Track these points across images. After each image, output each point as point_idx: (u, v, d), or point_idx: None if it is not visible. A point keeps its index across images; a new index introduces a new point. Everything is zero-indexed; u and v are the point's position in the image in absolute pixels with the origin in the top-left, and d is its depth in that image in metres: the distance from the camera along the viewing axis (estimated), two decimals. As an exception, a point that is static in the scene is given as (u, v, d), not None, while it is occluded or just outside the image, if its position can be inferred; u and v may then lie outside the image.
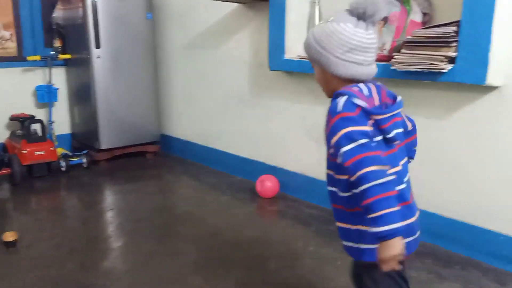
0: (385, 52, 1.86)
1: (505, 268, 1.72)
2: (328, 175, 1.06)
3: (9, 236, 1.93)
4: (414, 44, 1.68)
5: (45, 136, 3.01)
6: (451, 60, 1.62)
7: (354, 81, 1.01)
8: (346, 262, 1.49)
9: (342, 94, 0.96)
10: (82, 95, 3.29)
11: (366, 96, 0.97)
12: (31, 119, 3.02)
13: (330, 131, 0.95)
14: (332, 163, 1.01)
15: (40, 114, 3.32)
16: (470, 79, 1.59)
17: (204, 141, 3.22)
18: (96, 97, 3.10)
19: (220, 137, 3.07)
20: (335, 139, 0.93)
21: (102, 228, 2.22)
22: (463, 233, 1.84)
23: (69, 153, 3.12)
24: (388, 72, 1.80)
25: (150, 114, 3.38)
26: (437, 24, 1.66)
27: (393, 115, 0.98)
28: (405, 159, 1.06)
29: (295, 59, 2.25)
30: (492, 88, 1.66)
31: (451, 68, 1.61)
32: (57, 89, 3.36)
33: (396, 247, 0.87)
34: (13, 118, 3.11)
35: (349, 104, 0.94)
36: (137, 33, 3.20)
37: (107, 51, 3.08)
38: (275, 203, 2.48)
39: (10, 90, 3.26)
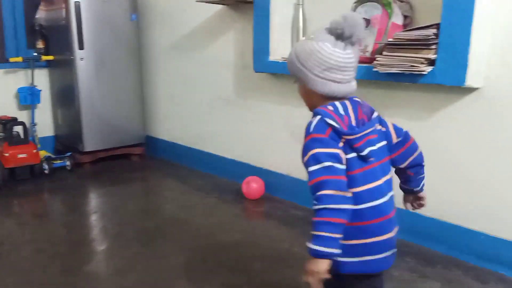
0: (368, 54, 1.88)
1: (486, 266, 1.75)
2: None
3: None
4: (395, 46, 1.70)
5: (28, 139, 2.97)
6: (431, 62, 1.64)
7: (333, 97, 1.03)
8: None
9: (317, 114, 1.00)
10: (65, 97, 3.25)
11: (341, 114, 1.00)
12: (13, 121, 2.97)
13: (302, 151, 0.99)
14: None
15: (23, 116, 3.27)
16: (450, 81, 1.62)
17: (189, 143, 3.21)
18: (80, 98, 3.06)
19: (206, 139, 3.06)
20: (305, 158, 0.98)
21: (85, 231, 2.19)
22: (445, 233, 1.87)
23: (52, 156, 3.08)
24: (371, 74, 1.82)
25: (134, 116, 3.36)
26: (417, 26, 1.68)
27: (366, 133, 1.01)
28: (389, 174, 1.07)
29: (280, 61, 2.26)
30: (472, 90, 1.70)
31: (431, 70, 1.64)
32: (40, 90, 3.31)
33: (321, 267, 0.93)
34: (-6, 121, 3.06)
35: (321, 125, 0.98)
36: (121, 34, 3.18)
37: (90, 53, 3.05)
38: (261, 205, 2.49)
39: (-9, 92, 3.21)
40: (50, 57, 3.27)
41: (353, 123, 1.02)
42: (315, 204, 0.93)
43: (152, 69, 3.42)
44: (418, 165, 1.14)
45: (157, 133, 3.52)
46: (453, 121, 1.78)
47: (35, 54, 3.29)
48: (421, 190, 1.19)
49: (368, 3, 1.87)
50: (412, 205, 1.22)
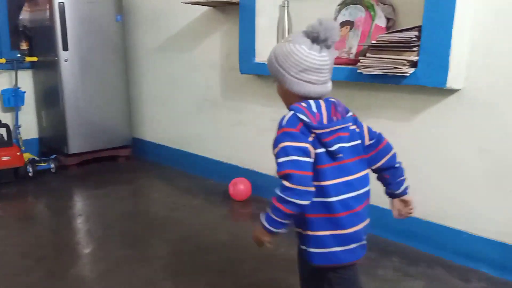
0: (352, 56, 1.90)
1: (469, 265, 1.78)
2: None
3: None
4: (379, 48, 1.72)
5: (11, 141, 2.93)
6: (414, 64, 1.67)
7: (309, 97, 1.08)
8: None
9: (291, 109, 1.06)
10: (49, 98, 3.22)
11: (313, 112, 1.05)
12: (-3, 123, 2.94)
13: (274, 143, 1.05)
14: None
15: (6, 118, 3.22)
16: (431, 83, 1.64)
17: (176, 145, 3.20)
18: (64, 100, 3.03)
19: (193, 140, 3.05)
20: (275, 150, 1.04)
21: (71, 234, 2.17)
22: (429, 232, 1.89)
23: (37, 158, 3.04)
24: (355, 75, 1.84)
25: (121, 118, 3.33)
26: (400, 29, 1.71)
27: (336, 129, 1.05)
28: (364, 171, 1.11)
29: (265, 63, 2.26)
30: (453, 91, 1.72)
31: (413, 72, 1.66)
32: (24, 92, 3.27)
33: (264, 237, 1.08)
34: (-23, 123, 3.01)
35: (293, 120, 1.03)
36: (106, 35, 3.16)
37: (75, 54, 3.02)
38: (248, 206, 2.49)
39: (-26, 94, 3.17)
40: (34, 59, 3.24)
41: (325, 120, 1.06)
42: (277, 189, 1.02)
43: (138, 70, 3.41)
44: (392, 167, 1.18)
45: (143, 135, 3.50)
46: (435, 122, 1.81)
47: (19, 55, 3.25)
48: (404, 193, 1.21)
49: (352, 5, 1.89)
50: (400, 214, 1.24)
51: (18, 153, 2.86)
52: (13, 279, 1.72)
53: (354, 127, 1.12)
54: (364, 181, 1.11)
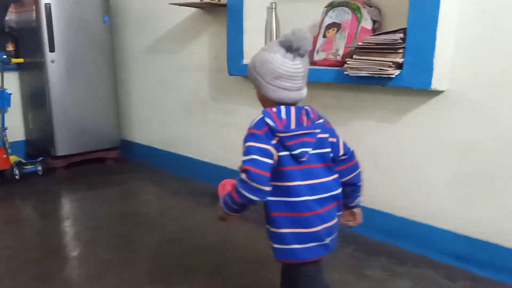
0: (339, 58, 1.91)
1: (455, 264, 1.80)
2: None
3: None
4: (365, 50, 1.74)
5: (-3, 144, 2.90)
6: (399, 66, 1.69)
7: (283, 103, 1.15)
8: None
9: (262, 113, 1.13)
10: (36, 100, 3.18)
11: (281, 117, 1.13)
12: (-18, 126, 2.90)
13: (243, 142, 1.14)
14: None
15: (-8, 120, 3.19)
16: (416, 84, 1.66)
17: (165, 146, 3.19)
18: (51, 102, 3.01)
19: (182, 142, 3.05)
20: (243, 149, 1.13)
21: (58, 237, 2.15)
22: (416, 232, 1.91)
23: (23, 161, 3.01)
24: (342, 77, 1.85)
25: (109, 119, 3.31)
26: (385, 31, 1.72)
27: (300, 134, 1.11)
28: (332, 176, 1.18)
29: (253, 64, 2.27)
30: (438, 92, 1.75)
31: (399, 74, 1.68)
32: (10, 94, 3.22)
33: (221, 213, 1.21)
34: (-38, 125, 2.97)
35: (260, 123, 1.12)
36: (93, 36, 3.14)
37: (62, 55, 3.00)
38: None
39: (-41, 96, 3.12)
40: (20, 60, 3.20)
41: (292, 125, 1.13)
42: (237, 180, 1.13)
43: (126, 71, 3.39)
44: (355, 184, 1.26)
45: (132, 137, 3.49)
46: (420, 123, 1.83)
47: (5, 56, 3.19)
48: (356, 206, 1.31)
49: (338, 7, 1.91)
50: (347, 222, 1.34)
51: (4, 156, 2.83)
52: (0, 283, 1.70)
53: (324, 135, 1.17)
54: (331, 185, 1.17)
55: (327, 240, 1.18)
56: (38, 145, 3.30)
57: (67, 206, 2.66)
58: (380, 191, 2.01)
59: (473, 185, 1.72)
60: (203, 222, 2.30)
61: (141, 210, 2.51)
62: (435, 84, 1.64)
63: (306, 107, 1.18)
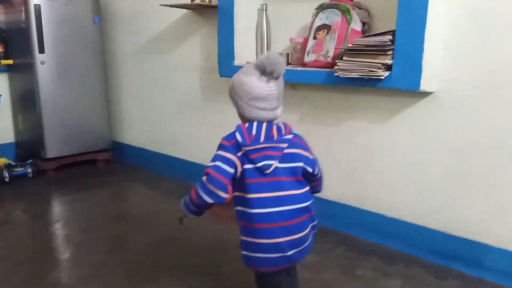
0: (329, 59, 1.92)
1: (444, 264, 1.82)
2: None
3: None
4: (355, 52, 1.75)
5: (-13, 146, 2.88)
6: (388, 67, 1.70)
7: (259, 121, 1.24)
8: (297, 265, 1.52)
9: (236, 127, 1.24)
10: (26, 102, 3.16)
11: (252, 132, 1.22)
12: (-29, 128, 2.88)
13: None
14: None
15: (-19, 122, 3.17)
16: (405, 85, 1.67)
17: (157, 148, 3.18)
18: (41, 103, 2.98)
19: (174, 143, 3.04)
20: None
21: (49, 239, 2.14)
22: (405, 232, 1.93)
23: (13, 163, 2.98)
24: (332, 78, 1.86)
25: (100, 121, 3.30)
26: (374, 33, 1.73)
27: (264, 148, 1.19)
28: (300, 190, 1.24)
29: (244, 65, 2.27)
30: (427, 94, 1.76)
31: (388, 75, 1.69)
32: (0, 96, 3.20)
33: (180, 214, 1.33)
34: (-50, 128, 2.94)
35: (230, 135, 1.23)
36: (84, 37, 3.12)
37: (52, 56, 2.98)
38: (229, 208, 2.48)
39: None
40: (10, 61, 3.17)
41: (261, 140, 1.21)
42: (197, 182, 1.24)
43: (117, 73, 3.37)
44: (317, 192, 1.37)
45: (123, 138, 3.47)
46: (410, 124, 1.84)
47: (-6, 58, 3.18)
48: None
49: (328, 9, 1.92)
50: None
51: (-6, 158, 2.81)
52: (-12, 287, 1.69)
53: (294, 150, 1.23)
54: (299, 198, 1.23)
55: (290, 252, 1.23)
56: (28, 147, 3.28)
57: (58, 208, 2.64)
58: (371, 192, 2.02)
59: (462, 185, 1.74)
60: (195, 223, 2.28)
61: (133, 212, 2.50)
62: (424, 86, 1.66)
63: (279, 123, 1.26)
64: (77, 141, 3.18)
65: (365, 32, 1.90)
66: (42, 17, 2.90)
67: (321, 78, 1.92)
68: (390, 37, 1.66)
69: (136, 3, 3.07)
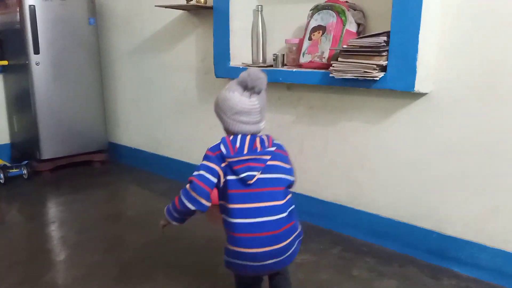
0: (324, 60, 1.92)
1: (439, 264, 1.83)
2: None
3: None
4: (350, 53, 1.75)
5: (-19, 147, 2.86)
6: (383, 68, 1.70)
7: (243, 134, 1.31)
8: (293, 265, 1.54)
9: (221, 140, 1.30)
10: (21, 103, 3.14)
11: (235, 144, 1.28)
12: (-35, 129, 2.86)
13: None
14: None
15: (-24, 123, 3.15)
16: (400, 86, 1.68)
17: (153, 149, 3.18)
18: (36, 104, 2.98)
19: (169, 144, 3.04)
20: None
21: (44, 240, 2.13)
22: (401, 232, 1.93)
23: (8, 164, 2.97)
24: (328, 79, 1.86)
25: (95, 122, 3.29)
26: (369, 34, 1.74)
27: (247, 159, 1.25)
28: (279, 201, 1.27)
29: (240, 67, 2.28)
30: (421, 95, 1.77)
31: (383, 76, 1.70)
32: (-5, 97, 3.20)
33: (163, 221, 1.41)
34: None
35: (215, 147, 1.30)
36: (79, 38, 3.11)
37: (47, 57, 2.97)
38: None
39: None
40: (5, 62, 3.16)
41: (245, 152, 1.27)
42: (181, 189, 1.30)
43: (113, 73, 3.37)
44: None
45: (119, 139, 3.46)
46: (405, 125, 1.85)
47: (-11, 59, 3.17)
48: None
49: (323, 10, 1.92)
50: None
51: (-11, 160, 2.79)
52: (-17, 289, 1.68)
53: (276, 162, 1.29)
54: (280, 209, 1.27)
55: (268, 262, 1.27)
56: (24, 148, 3.26)
57: (53, 209, 2.63)
58: (367, 192, 2.03)
59: (457, 185, 1.75)
60: (190, 223, 2.27)
61: (128, 212, 2.50)
62: (418, 86, 1.66)
63: (262, 136, 1.32)
64: (73, 142, 3.17)
65: (360, 33, 1.90)
66: (37, 18, 2.89)
67: (317, 79, 1.92)
68: (384, 38, 1.67)
69: (132, 4, 3.06)
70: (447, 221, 1.79)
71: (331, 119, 2.09)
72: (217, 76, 2.41)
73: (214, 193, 2.61)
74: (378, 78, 1.69)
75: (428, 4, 1.61)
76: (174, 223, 1.36)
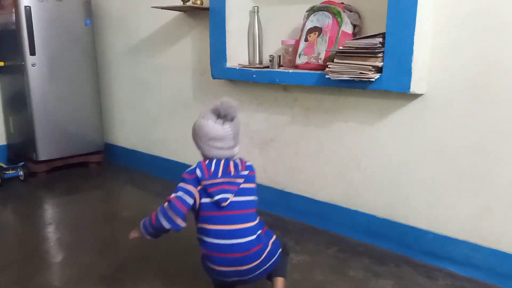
0: (320, 62, 1.93)
1: (434, 263, 1.84)
2: None
3: None
4: (345, 54, 1.76)
5: (-23, 148, 2.85)
6: (379, 70, 1.71)
7: (217, 158, 1.39)
8: (289, 266, 1.54)
9: (197, 164, 1.38)
10: (17, 104, 3.14)
11: (210, 168, 1.36)
12: (-39, 130, 2.85)
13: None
14: None
15: (-29, 125, 3.14)
16: (395, 88, 1.69)
17: (149, 149, 3.18)
18: (32, 106, 2.97)
19: (166, 145, 3.04)
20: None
21: (40, 241, 2.13)
22: (397, 233, 1.94)
23: (4, 166, 2.96)
24: (324, 80, 1.87)
25: (92, 123, 3.28)
26: (365, 35, 1.75)
27: (221, 182, 1.33)
28: (250, 223, 1.36)
29: (237, 68, 2.28)
30: (416, 96, 1.78)
31: (379, 77, 1.71)
32: (-10, 98, 3.19)
33: (136, 233, 1.48)
34: None
35: (192, 170, 1.38)
36: (75, 39, 3.11)
37: (43, 58, 2.96)
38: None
39: None
40: (0, 63, 3.15)
41: (219, 175, 1.35)
42: (159, 207, 1.38)
43: (109, 74, 3.37)
44: None
45: (115, 140, 3.46)
46: (400, 125, 1.86)
47: (-16, 60, 3.16)
48: None
49: (319, 11, 1.93)
50: None
51: (-16, 161, 2.78)
52: (-22, 290, 1.68)
53: (249, 185, 1.38)
54: (251, 231, 1.35)
55: (235, 279, 1.38)
56: (20, 149, 3.25)
57: (49, 210, 2.63)
58: (362, 192, 2.04)
59: (451, 185, 1.76)
60: (187, 223, 2.28)
61: (124, 213, 2.50)
62: (414, 88, 1.68)
63: (236, 160, 1.40)
64: (69, 144, 3.16)
65: (356, 35, 1.92)
66: (32, 19, 2.88)
67: (313, 80, 1.93)
68: (380, 39, 1.68)
69: (128, 5, 3.06)
70: (442, 221, 1.80)
71: (327, 120, 2.10)
72: (213, 77, 2.41)
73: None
74: (373, 79, 1.70)
75: (423, 5, 1.62)
76: (148, 237, 1.43)
